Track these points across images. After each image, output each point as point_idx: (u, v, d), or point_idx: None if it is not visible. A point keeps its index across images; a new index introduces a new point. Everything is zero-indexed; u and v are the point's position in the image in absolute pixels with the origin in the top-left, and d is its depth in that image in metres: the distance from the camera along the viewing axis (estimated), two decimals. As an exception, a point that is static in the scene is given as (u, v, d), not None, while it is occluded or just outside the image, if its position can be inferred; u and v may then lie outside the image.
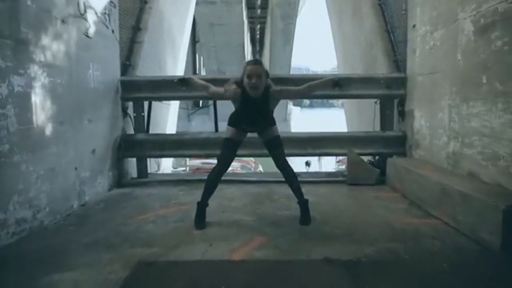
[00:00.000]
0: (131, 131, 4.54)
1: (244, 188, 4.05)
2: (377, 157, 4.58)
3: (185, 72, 8.53)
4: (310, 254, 2.34)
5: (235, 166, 10.34)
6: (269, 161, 3.07)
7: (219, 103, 4.67)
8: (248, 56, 33.50)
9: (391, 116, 4.52)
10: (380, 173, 4.21)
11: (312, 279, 2.06)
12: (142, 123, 4.56)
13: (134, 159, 4.59)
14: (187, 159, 11.08)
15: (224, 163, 2.94)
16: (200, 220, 2.84)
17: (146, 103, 4.61)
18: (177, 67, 7.35)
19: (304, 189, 2.99)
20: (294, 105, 44.37)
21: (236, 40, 29.71)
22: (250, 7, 30.99)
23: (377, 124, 4.64)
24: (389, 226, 2.84)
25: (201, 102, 25.07)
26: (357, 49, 6.51)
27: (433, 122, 3.71)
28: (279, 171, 2.99)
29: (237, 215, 3.11)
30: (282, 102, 3.26)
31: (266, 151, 3.08)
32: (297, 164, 10.45)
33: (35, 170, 2.73)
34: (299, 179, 2.99)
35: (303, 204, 2.92)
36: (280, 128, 3.08)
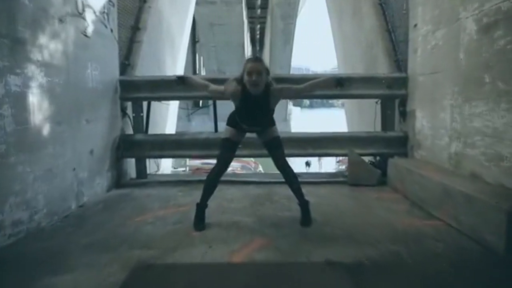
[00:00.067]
0: (130, 131, 4.50)
1: (244, 189, 4.02)
2: (378, 158, 4.56)
3: (185, 72, 8.49)
4: (311, 256, 2.31)
5: (235, 166, 10.33)
6: (269, 161, 3.03)
7: (219, 103, 4.64)
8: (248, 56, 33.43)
9: (392, 116, 4.50)
10: (381, 174, 4.19)
11: (313, 282, 2.03)
12: (141, 123, 4.53)
13: (133, 160, 4.56)
14: (187, 159, 11.06)
15: (223, 164, 2.90)
16: (200, 222, 2.81)
17: (145, 103, 4.58)
18: (176, 67, 7.31)
19: (305, 189, 2.96)
20: (294, 105, 44.33)
21: (236, 40, 29.69)
22: (250, 7, 30.94)
23: (378, 124, 4.61)
24: (391, 227, 2.81)
25: (201, 102, 25.14)
26: (357, 49, 6.48)
27: (435, 122, 3.68)
28: (279, 172, 2.95)
29: (237, 216, 3.07)
30: (282, 102, 3.22)
31: (266, 152, 3.05)
32: (297, 164, 10.45)
33: (32, 171, 2.70)
34: (299, 179, 2.96)
35: (304, 205, 2.89)
36: (280, 128, 3.06)
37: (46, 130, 2.88)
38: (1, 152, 2.40)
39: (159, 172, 5.41)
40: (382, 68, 4.97)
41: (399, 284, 2.01)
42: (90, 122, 3.61)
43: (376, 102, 4.62)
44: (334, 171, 8.60)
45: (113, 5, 4.19)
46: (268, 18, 32.55)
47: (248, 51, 33.54)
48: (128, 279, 2.02)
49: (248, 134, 3.00)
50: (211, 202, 2.93)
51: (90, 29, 3.58)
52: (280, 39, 32.69)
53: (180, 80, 2.96)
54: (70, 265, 2.17)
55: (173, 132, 7.03)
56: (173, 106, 7.26)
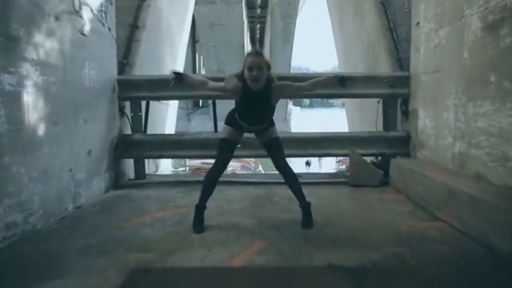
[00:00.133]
0: (128, 131, 4.44)
1: (244, 189, 3.97)
2: (379, 158, 4.50)
3: (184, 72, 8.44)
4: (312, 259, 2.25)
5: (235, 166, 10.30)
6: (269, 161, 2.97)
7: (218, 102, 4.59)
8: (248, 56, 33.33)
9: (394, 115, 4.44)
10: (383, 174, 4.13)
11: (316, 286, 1.97)
12: (139, 123, 4.47)
13: (132, 160, 4.49)
14: (187, 159, 11.02)
15: (221, 164, 2.84)
16: (199, 224, 2.75)
17: (144, 103, 4.52)
18: (176, 66, 7.25)
19: (305, 190, 2.90)
20: (294, 105, 44.31)
21: (236, 40, 29.66)
22: (250, 6, 30.90)
23: (380, 124, 4.55)
24: (394, 229, 2.75)
25: (200, 101, 25.10)
26: (358, 47, 6.43)
27: (438, 122, 3.61)
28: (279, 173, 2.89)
29: (237, 218, 3.01)
30: (282, 101, 3.16)
31: (265, 152, 2.98)
32: (297, 164, 10.40)
33: (27, 172, 2.64)
34: (300, 180, 2.90)
35: (306, 207, 2.82)
36: (280, 128, 3.00)
37: (41, 130, 2.82)
38: (-6, 152, 2.35)
39: (158, 173, 5.35)
40: (384, 67, 4.92)
41: (404, 289, 1.96)
42: (88, 122, 3.54)
43: (378, 102, 4.57)
44: (334, 171, 8.54)
45: (111, 3, 4.13)
46: (268, 17, 32.51)
47: (248, 50, 33.50)
48: (125, 284, 1.96)
49: (248, 134, 2.93)
50: (211, 203, 2.87)
51: (87, 27, 3.52)
52: (280, 39, 32.66)
53: (178, 78, 2.75)
54: (65, 269, 2.11)
55: (173, 132, 6.99)
56: (173, 106, 7.21)
